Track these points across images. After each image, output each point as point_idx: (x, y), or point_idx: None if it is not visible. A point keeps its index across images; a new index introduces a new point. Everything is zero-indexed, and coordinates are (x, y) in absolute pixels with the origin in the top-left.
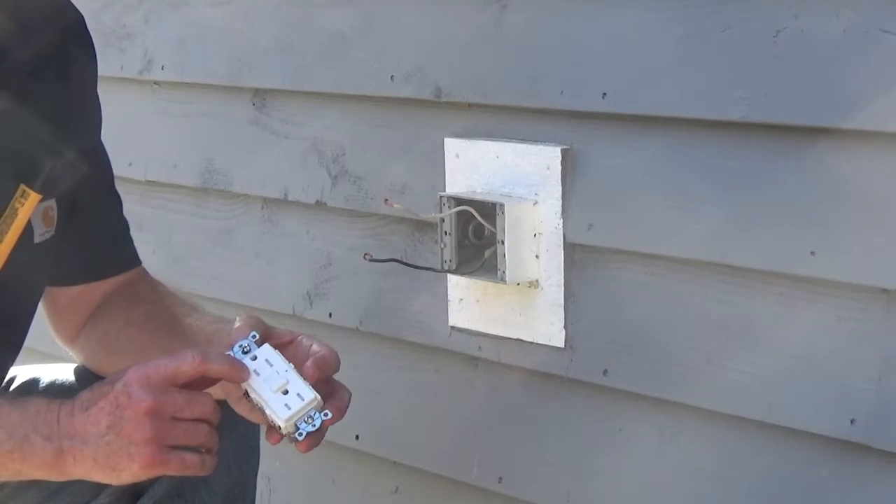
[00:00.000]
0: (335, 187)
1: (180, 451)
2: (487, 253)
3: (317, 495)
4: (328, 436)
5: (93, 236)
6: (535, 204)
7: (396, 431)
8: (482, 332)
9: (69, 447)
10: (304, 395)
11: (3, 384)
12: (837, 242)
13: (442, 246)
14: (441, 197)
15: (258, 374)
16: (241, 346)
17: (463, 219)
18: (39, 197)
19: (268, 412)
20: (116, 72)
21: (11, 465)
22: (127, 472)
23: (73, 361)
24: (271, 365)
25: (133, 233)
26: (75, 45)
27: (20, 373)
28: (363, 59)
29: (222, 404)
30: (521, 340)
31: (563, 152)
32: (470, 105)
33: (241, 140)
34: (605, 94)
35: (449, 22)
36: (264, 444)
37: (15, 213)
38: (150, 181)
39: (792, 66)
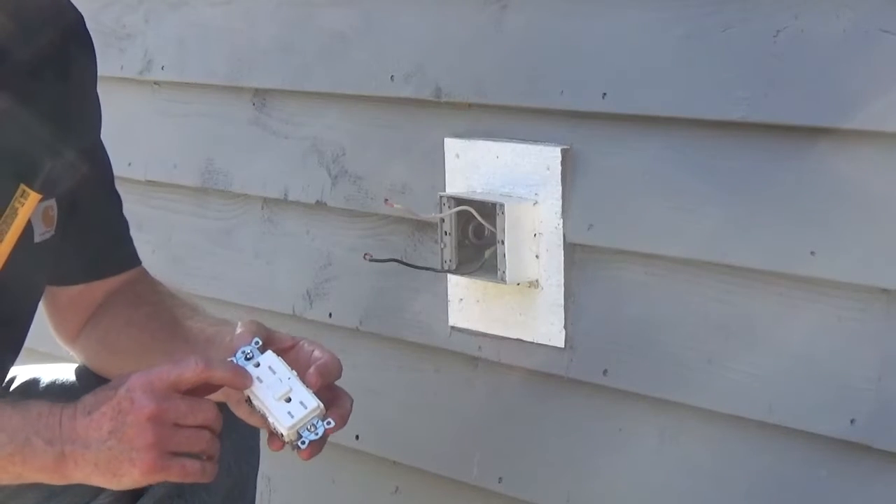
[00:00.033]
0: (335, 187)
1: (181, 458)
2: (487, 253)
3: (317, 495)
4: (327, 440)
5: (93, 236)
6: (535, 204)
7: (396, 431)
8: (482, 332)
9: (70, 451)
10: (306, 403)
11: (4, 384)
12: (837, 242)
13: (442, 246)
14: (441, 197)
15: (261, 382)
16: (243, 352)
17: (463, 219)
18: (39, 197)
19: (270, 420)
20: (116, 72)
21: (12, 468)
22: (128, 478)
23: (74, 361)
24: (274, 372)
25: (133, 233)
26: (75, 44)
27: (20, 373)
28: (363, 59)
29: (221, 405)
30: (521, 340)
31: (563, 152)
32: (470, 105)
33: (241, 140)
34: (605, 94)
35: (449, 22)
36: (264, 444)
37: (15, 213)
38: (150, 181)
39: (792, 66)
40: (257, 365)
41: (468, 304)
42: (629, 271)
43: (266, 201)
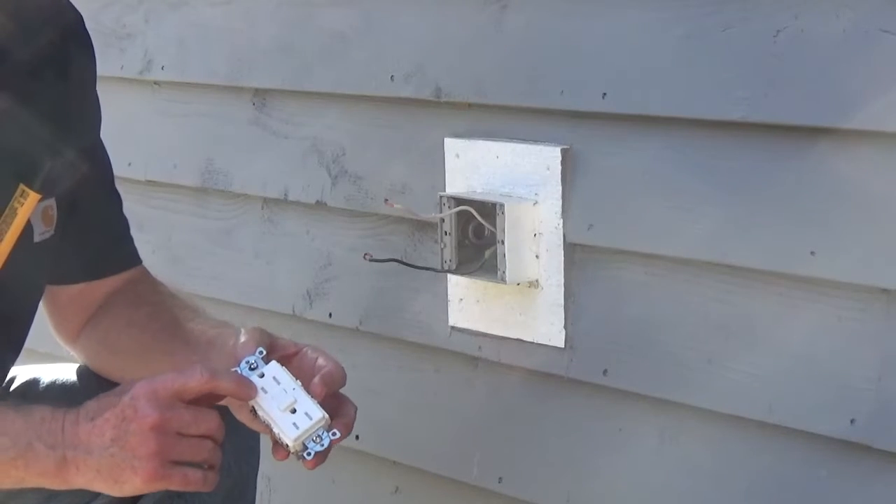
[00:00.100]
0: (335, 187)
1: (183, 467)
2: (487, 253)
3: (317, 495)
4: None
5: (93, 235)
6: (535, 204)
7: (396, 431)
8: (482, 332)
9: (73, 457)
10: (312, 414)
11: (4, 384)
12: (837, 242)
13: (442, 246)
14: (441, 197)
15: (266, 392)
16: (247, 362)
17: (463, 219)
18: (39, 196)
19: (276, 431)
20: (116, 72)
21: (14, 472)
22: (129, 485)
23: (75, 361)
24: (279, 383)
25: (133, 233)
26: (74, 44)
27: (20, 373)
28: (363, 59)
29: (222, 407)
30: (521, 340)
31: (563, 152)
32: (470, 105)
33: (241, 140)
34: (605, 94)
35: (449, 22)
36: (264, 444)
37: (14, 213)
38: (150, 181)
39: (792, 66)
40: (262, 375)
41: (468, 304)
42: (629, 271)
43: (266, 201)
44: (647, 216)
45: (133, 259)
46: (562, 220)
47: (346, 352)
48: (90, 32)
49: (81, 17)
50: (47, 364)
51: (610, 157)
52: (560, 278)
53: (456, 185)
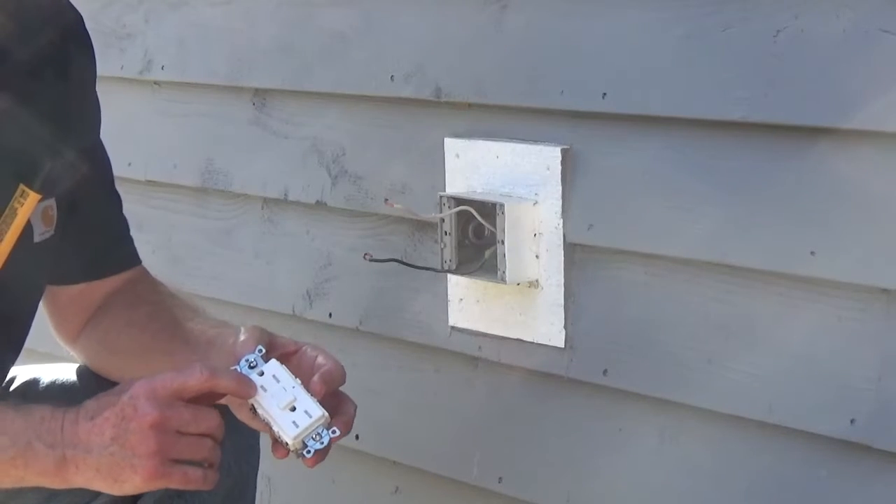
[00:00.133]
0: (335, 187)
1: (183, 465)
2: (487, 253)
3: (317, 495)
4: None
5: (93, 235)
6: (535, 204)
7: (396, 431)
8: (482, 332)
9: (72, 456)
10: (311, 412)
11: (4, 384)
12: (837, 242)
13: (442, 246)
14: (441, 197)
15: (265, 391)
16: (247, 360)
17: (463, 219)
18: (39, 197)
19: (275, 429)
20: (116, 72)
21: (14, 471)
22: (129, 484)
23: (74, 361)
24: (278, 381)
25: (133, 233)
26: (74, 44)
27: (20, 373)
28: (363, 59)
29: (222, 406)
30: (521, 340)
31: (563, 152)
32: (470, 105)
33: (241, 140)
34: (605, 94)
35: (449, 22)
36: (264, 444)
37: (14, 213)
38: (150, 181)
39: (792, 66)
40: (261, 374)
41: (468, 304)
42: (629, 271)
43: (266, 201)
44: (647, 216)
45: (133, 259)
46: (562, 220)
47: (346, 352)
48: (90, 32)
49: (81, 17)
50: (47, 364)
51: (610, 157)
52: (560, 278)
53: (456, 185)
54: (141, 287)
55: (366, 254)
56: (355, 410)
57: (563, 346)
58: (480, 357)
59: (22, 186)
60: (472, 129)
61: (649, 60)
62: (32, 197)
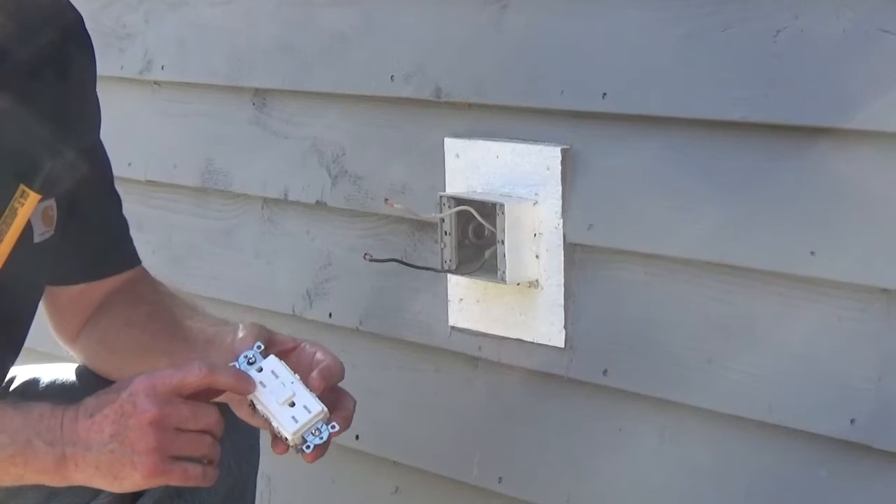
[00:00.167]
0: (335, 187)
1: (183, 462)
2: (487, 253)
3: (317, 495)
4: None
5: (92, 236)
6: (535, 204)
7: (396, 431)
8: (482, 332)
9: (72, 453)
10: (310, 407)
11: (3, 384)
12: (837, 242)
13: (442, 246)
14: (441, 197)
15: (264, 386)
16: (246, 357)
17: (463, 219)
18: (39, 197)
19: (275, 424)
20: (116, 72)
21: (13, 469)
22: (129, 481)
23: (74, 361)
24: (277, 377)
25: (133, 233)
26: (74, 44)
27: (20, 373)
28: (363, 59)
29: (222, 405)
30: (521, 340)
31: (563, 152)
32: (470, 105)
33: (241, 140)
34: (605, 94)
35: (449, 22)
36: (264, 444)
37: (14, 213)
38: (150, 181)
39: (792, 66)
40: (260, 370)
41: (468, 304)
42: (629, 271)
43: (266, 201)
44: (647, 216)
45: (132, 260)
46: (562, 220)
47: (346, 352)
48: (90, 32)
49: (81, 17)
50: (47, 364)
51: (610, 157)
52: (560, 278)
53: (456, 185)
54: (140, 287)
55: (366, 254)
56: (354, 406)
57: (563, 346)
58: (480, 357)
59: (22, 187)
60: (472, 129)
61: (649, 60)
62: (32, 197)
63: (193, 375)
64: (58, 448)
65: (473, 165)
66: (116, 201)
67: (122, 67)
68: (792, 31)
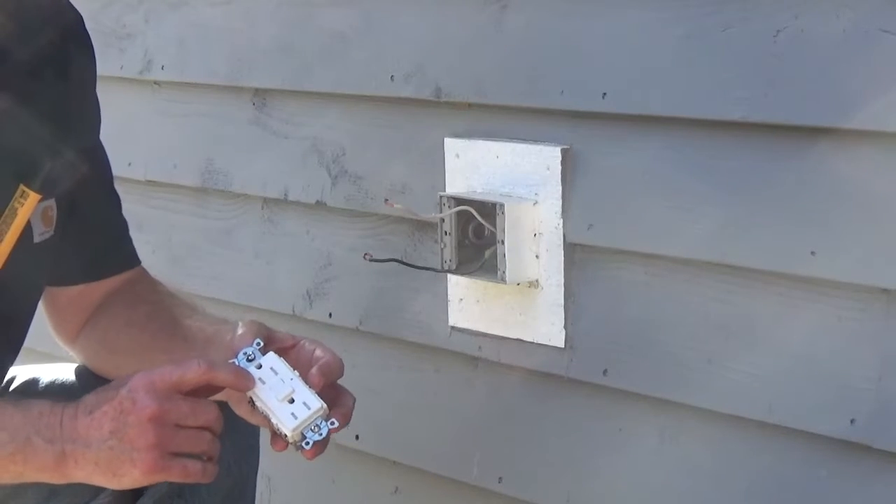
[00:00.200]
0: (335, 187)
1: (182, 458)
2: (487, 253)
3: (317, 495)
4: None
5: (92, 236)
6: (535, 204)
7: (396, 431)
8: (482, 332)
9: (71, 450)
10: (310, 403)
11: (3, 384)
12: (837, 242)
13: (442, 246)
14: (441, 197)
15: (263, 383)
16: (245, 353)
17: (463, 219)
18: (39, 197)
19: (274, 421)
20: (116, 72)
21: (13, 467)
22: (128, 478)
23: (74, 361)
24: (276, 373)
25: (133, 233)
26: (74, 45)
27: (20, 373)
28: (363, 59)
29: (222, 404)
30: (521, 340)
31: (563, 152)
32: (470, 105)
33: (241, 140)
34: (605, 94)
35: (449, 22)
36: (264, 444)
37: (14, 213)
38: (150, 181)
39: (792, 66)
40: (259, 366)
41: (468, 304)
42: (629, 271)
43: (266, 201)
44: (647, 216)
45: (132, 260)
46: (562, 220)
47: (346, 352)
48: (90, 32)
49: (81, 17)
50: (47, 364)
51: (610, 157)
52: (560, 278)
53: (456, 185)
54: (140, 287)
55: (366, 254)
56: (354, 403)
57: (563, 346)
58: (480, 357)
59: (22, 187)
60: (472, 129)
61: (649, 60)
62: (32, 197)
63: (192, 372)
64: (57, 445)
65: (473, 165)
66: (116, 202)
67: (122, 67)
68: (792, 31)
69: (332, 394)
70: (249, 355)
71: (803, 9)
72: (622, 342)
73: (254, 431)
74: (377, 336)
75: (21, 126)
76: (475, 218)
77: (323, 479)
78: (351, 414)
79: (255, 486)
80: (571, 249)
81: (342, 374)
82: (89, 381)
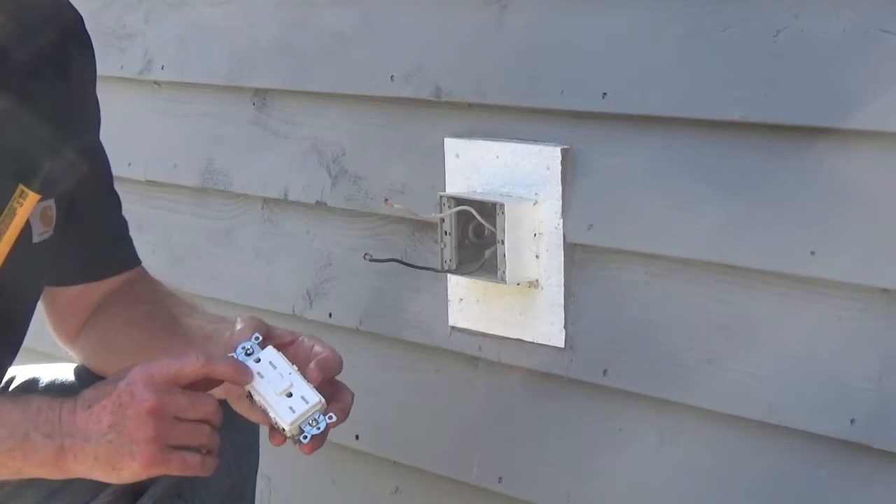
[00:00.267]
0: (335, 187)
1: (181, 452)
2: (487, 253)
3: (317, 495)
4: (328, 435)
5: (92, 236)
6: (535, 204)
7: (396, 431)
8: (482, 332)
9: (70, 445)
10: (308, 397)
11: (3, 384)
12: (837, 242)
13: (442, 246)
14: (441, 197)
15: (262, 377)
16: (244, 347)
17: (463, 219)
18: (38, 197)
19: (272, 415)
20: (116, 72)
21: (12, 463)
22: (127, 471)
23: (73, 361)
24: (275, 367)
25: (133, 233)
26: (74, 45)
27: (20, 373)
28: (363, 59)
29: (222, 403)
30: (521, 340)
31: (563, 152)
32: (470, 105)
33: (241, 140)
34: (605, 94)
35: (449, 22)
36: (264, 444)
37: (13, 213)
38: (150, 181)
39: (792, 66)
40: (258, 360)
41: (468, 304)
42: (629, 271)
43: (266, 201)
44: (647, 216)
45: (132, 260)
46: (562, 220)
47: (346, 352)
48: (90, 32)
49: (81, 17)
50: (46, 364)
51: (610, 157)
52: (560, 278)
53: (456, 185)
54: (139, 286)
55: (366, 254)
56: (352, 399)
57: (563, 346)
58: (480, 357)
59: (21, 186)
60: (472, 129)
61: (649, 60)
62: (32, 197)
63: (191, 365)
64: (56, 440)
65: (473, 165)
66: (116, 202)
67: (122, 67)
68: (792, 31)
69: (331, 389)
70: (248, 349)
71: (803, 9)
72: (622, 342)
73: (254, 430)
74: (377, 336)
75: (21, 126)
76: (475, 218)
77: (323, 479)
78: (349, 409)
79: (254, 485)
80: (571, 249)
81: (341, 370)
82: (89, 380)
